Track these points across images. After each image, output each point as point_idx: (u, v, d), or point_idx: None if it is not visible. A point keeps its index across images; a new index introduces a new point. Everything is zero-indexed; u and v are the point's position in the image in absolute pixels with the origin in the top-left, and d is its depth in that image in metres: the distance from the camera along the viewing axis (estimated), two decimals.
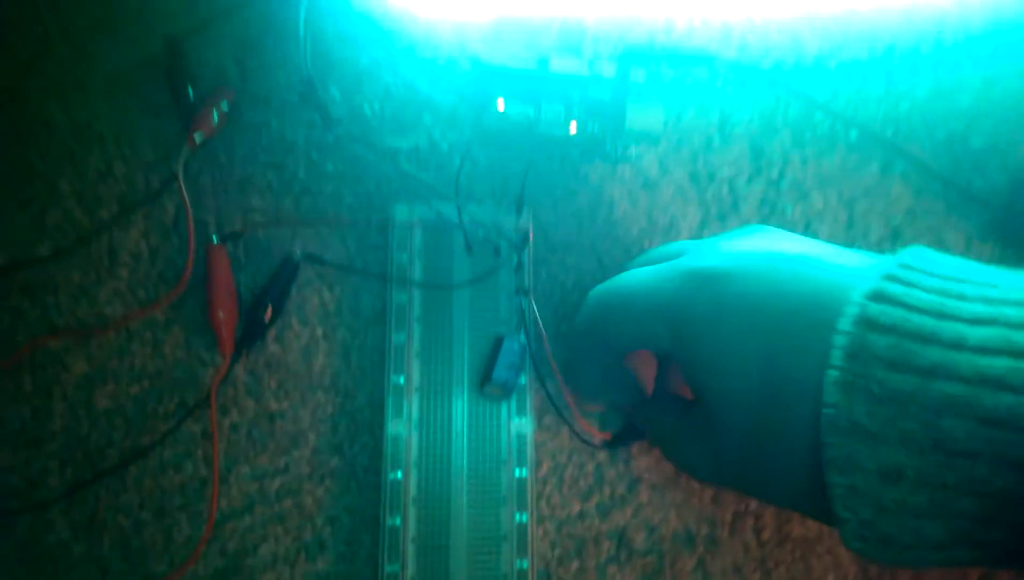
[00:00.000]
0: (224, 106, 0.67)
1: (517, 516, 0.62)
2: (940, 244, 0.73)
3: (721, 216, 0.72)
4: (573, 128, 0.71)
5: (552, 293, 0.70)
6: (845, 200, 0.73)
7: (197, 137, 0.65)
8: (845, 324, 0.38)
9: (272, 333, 0.66)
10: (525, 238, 0.68)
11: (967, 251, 0.73)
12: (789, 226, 0.72)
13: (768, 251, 0.47)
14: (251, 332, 0.66)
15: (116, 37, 0.70)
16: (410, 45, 0.73)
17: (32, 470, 0.63)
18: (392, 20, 0.73)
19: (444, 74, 0.73)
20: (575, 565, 0.65)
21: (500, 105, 0.69)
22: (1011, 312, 0.35)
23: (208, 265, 0.65)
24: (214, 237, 0.66)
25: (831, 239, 0.72)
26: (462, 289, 0.67)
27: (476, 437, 0.64)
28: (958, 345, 0.35)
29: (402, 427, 0.63)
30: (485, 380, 0.64)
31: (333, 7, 0.72)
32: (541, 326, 0.67)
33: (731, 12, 0.76)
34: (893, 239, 0.73)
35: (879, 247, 0.73)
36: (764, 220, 0.72)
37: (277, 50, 0.71)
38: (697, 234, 0.72)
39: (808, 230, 0.72)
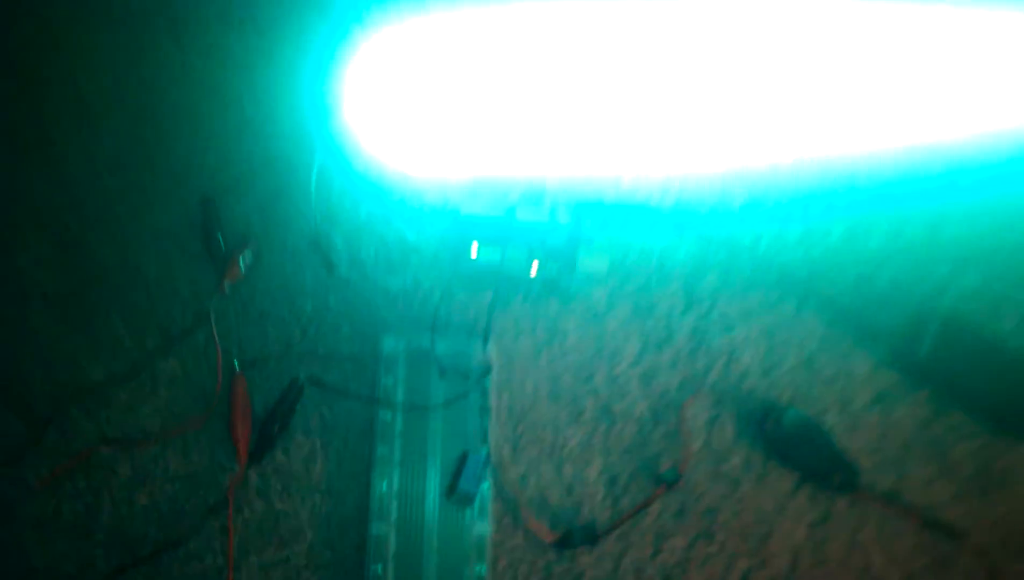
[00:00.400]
0: (248, 257, 0.82)
1: None
2: (848, 373, 0.85)
3: (658, 345, 0.86)
4: (534, 269, 0.85)
5: (512, 411, 0.83)
6: (765, 331, 0.86)
7: (227, 286, 0.80)
8: None
9: (280, 444, 0.81)
10: (489, 366, 0.82)
11: (871, 378, 0.85)
12: (715, 354, 0.85)
13: None
14: (263, 443, 0.80)
15: (163, 195, 0.87)
16: (401, 199, 0.88)
17: (82, 557, 0.77)
18: (388, 178, 0.88)
19: (428, 223, 0.88)
20: None
21: (474, 250, 0.84)
22: None
23: (231, 389, 0.80)
24: (236, 364, 0.81)
25: (751, 366, 0.85)
26: (437, 409, 0.81)
27: (444, 536, 0.77)
28: None
29: (383, 527, 0.77)
30: (452, 489, 0.77)
31: (340, 169, 0.88)
32: (500, 442, 0.80)
33: (670, 168, 0.91)
34: (807, 367, 0.85)
35: (793, 374, 0.85)
36: (694, 349, 0.85)
37: (292, 205, 0.87)
38: (637, 360, 0.85)
39: (731, 358, 0.85)
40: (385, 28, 0.90)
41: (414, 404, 0.81)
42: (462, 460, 0.78)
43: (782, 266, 0.87)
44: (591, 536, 0.78)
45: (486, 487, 0.78)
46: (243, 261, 0.82)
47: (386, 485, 0.78)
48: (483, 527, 0.77)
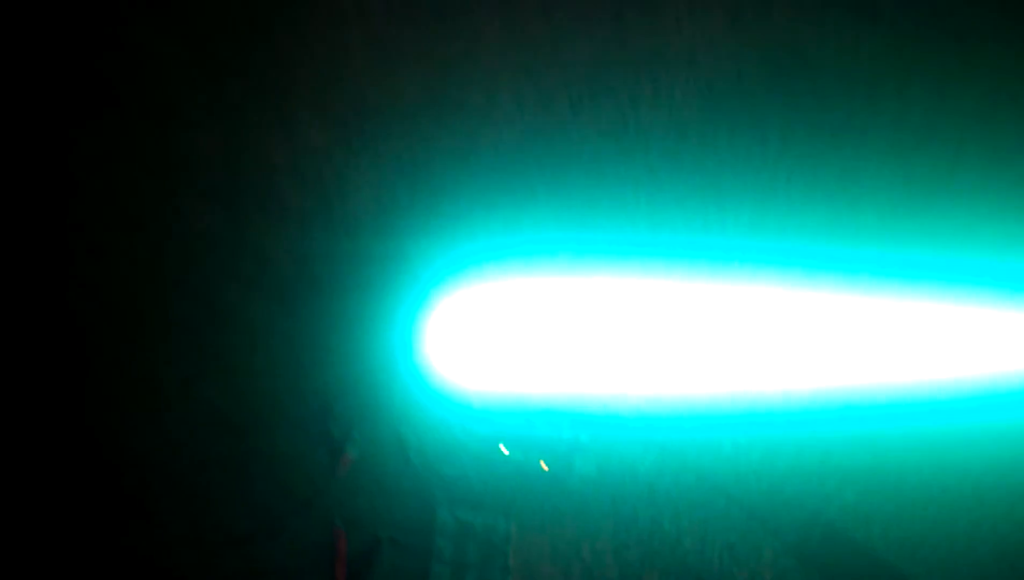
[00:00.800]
0: (355, 452, 1.22)
1: None
2: (757, 558, 1.22)
3: (627, 528, 1.23)
4: (544, 466, 1.24)
5: (524, 569, 1.20)
6: (702, 522, 1.23)
7: (340, 471, 1.20)
8: None
9: None
10: (510, 537, 1.20)
11: (774, 564, 1.22)
12: (666, 537, 1.23)
13: None
14: (353, 577, 1.17)
15: (298, 399, 1.28)
16: (458, 406, 1.29)
17: None
18: (450, 391, 1.29)
19: (475, 426, 1.28)
20: None
21: (504, 450, 1.24)
22: None
23: (335, 540, 1.18)
24: (339, 523, 1.19)
25: (691, 547, 1.22)
26: (474, 566, 1.18)
27: None
28: None
29: None
30: None
31: (417, 384, 1.29)
32: None
33: (643, 395, 1.31)
34: (728, 551, 1.22)
35: (720, 554, 1.22)
36: (652, 532, 1.23)
37: (383, 410, 1.27)
38: (612, 538, 1.23)
39: (677, 540, 1.22)
40: (453, 291, 1.34)
41: (457, 560, 1.19)
42: None
43: (716, 475, 1.26)
44: None
45: None
46: (351, 456, 1.22)
47: None
48: None
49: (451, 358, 1.30)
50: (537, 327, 1.33)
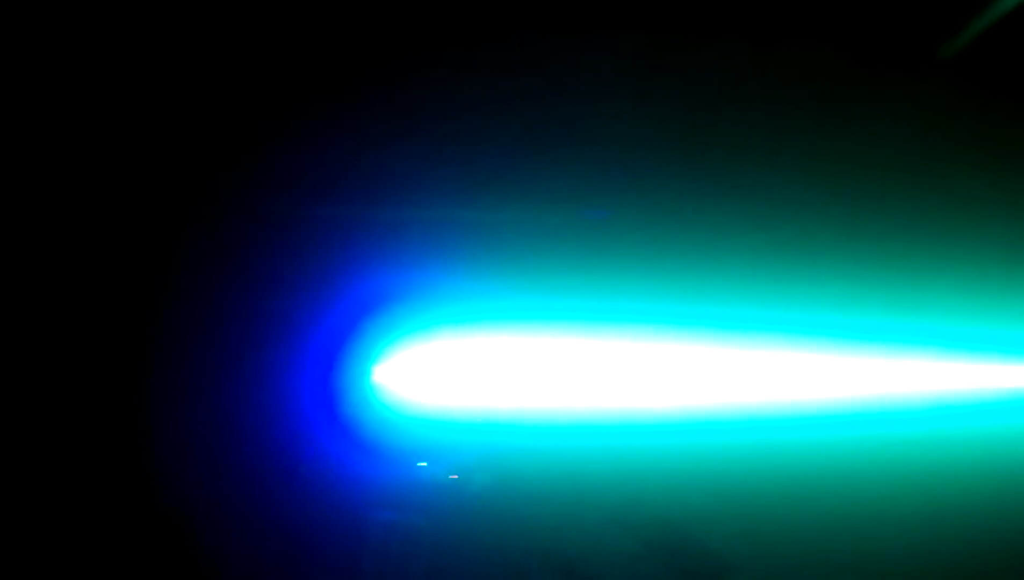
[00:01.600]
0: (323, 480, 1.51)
1: None
2: (620, 549, 1.58)
3: (514, 521, 1.57)
4: (453, 476, 1.55)
5: (438, 552, 1.54)
6: (573, 519, 1.58)
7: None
8: None
9: None
10: (424, 529, 1.53)
11: (630, 551, 1.58)
12: (548, 532, 1.57)
13: None
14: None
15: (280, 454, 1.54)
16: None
17: None
18: (392, 417, 1.56)
19: (401, 445, 1.57)
20: None
21: (422, 464, 1.54)
22: None
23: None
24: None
25: (565, 541, 1.57)
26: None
27: None
28: None
29: None
30: None
31: (371, 413, 1.55)
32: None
33: (532, 411, 1.61)
34: (598, 541, 1.58)
35: (591, 550, 1.57)
36: (535, 526, 1.57)
37: (342, 437, 1.55)
38: (504, 524, 1.57)
39: (557, 537, 1.57)
40: (419, 339, 1.59)
41: (383, 549, 1.52)
42: None
43: (588, 483, 1.60)
44: None
45: None
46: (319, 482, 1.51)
47: None
48: None
49: (405, 394, 1.57)
50: (462, 368, 1.60)
